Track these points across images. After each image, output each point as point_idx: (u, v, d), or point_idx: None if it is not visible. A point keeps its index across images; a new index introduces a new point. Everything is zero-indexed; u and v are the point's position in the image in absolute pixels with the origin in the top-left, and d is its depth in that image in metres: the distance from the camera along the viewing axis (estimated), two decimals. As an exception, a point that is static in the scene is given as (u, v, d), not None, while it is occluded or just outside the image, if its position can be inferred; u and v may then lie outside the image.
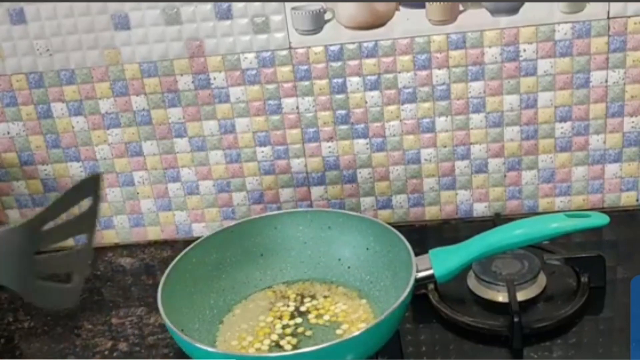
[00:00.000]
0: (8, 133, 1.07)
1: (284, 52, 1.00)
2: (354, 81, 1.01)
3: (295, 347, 0.84)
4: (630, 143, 1.02)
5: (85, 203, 0.75)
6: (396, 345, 0.84)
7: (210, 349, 0.78)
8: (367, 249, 0.93)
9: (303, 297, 0.92)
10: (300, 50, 0.99)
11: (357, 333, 0.75)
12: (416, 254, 0.85)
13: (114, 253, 1.11)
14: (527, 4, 0.95)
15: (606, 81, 0.98)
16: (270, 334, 0.86)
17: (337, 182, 1.07)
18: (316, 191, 1.08)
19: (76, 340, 0.92)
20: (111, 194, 1.10)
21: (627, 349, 0.78)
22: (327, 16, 0.97)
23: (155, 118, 1.05)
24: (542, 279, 0.90)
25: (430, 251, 0.86)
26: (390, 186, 1.07)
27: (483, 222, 1.04)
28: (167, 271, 0.86)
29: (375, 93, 1.01)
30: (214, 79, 1.02)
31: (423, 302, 0.89)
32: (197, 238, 0.93)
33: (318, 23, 0.98)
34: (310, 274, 0.95)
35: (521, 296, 0.87)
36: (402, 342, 0.85)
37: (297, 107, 1.03)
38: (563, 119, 1.01)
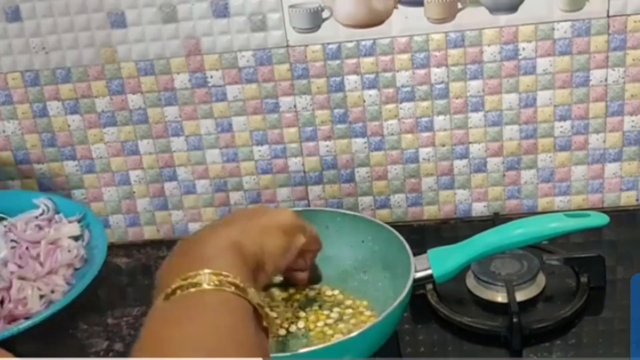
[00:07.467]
0: (3, 132, 1.06)
1: (282, 51, 0.99)
2: (352, 80, 1.00)
3: (293, 348, 0.84)
4: (630, 142, 1.01)
5: None
6: (395, 345, 0.83)
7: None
8: (365, 248, 0.93)
9: (299, 298, 0.91)
10: (298, 49, 0.99)
11: (355, 333, 0.75)
12: (415, 254, 0.84)
13: (110, 253, 1.09)
14: (526, 2, 0.94)
15: (606, 80, 0.98)
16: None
17: (334, 182, 1.07)
18: (314, 190, 1.07)
19: (72, 340, 0.92)
20: (107, 193, 1.09)
21: (627, 350, 0.77)
22: (325, 14, 0.97)
23: (152, 117, 1.04)
24: (541, 279, 0.90)
25: (429, 251, 0.85)
26: (389, 185, 1.06)
27: (482, 222, 1.03)
28: (163, 271, 0.86)
29: (374, 92, 1.01)
30: (211, 77, 1.01)
31: (422, 302, 0.88)
32: (194, 238, 0.93)
33: (316, 21, 0.97)
34: (307, 274, 0.95)
35: (520, 296, 0.86)
36: (401, 342, 0.85)
37: (295, 106, 1.02)
38: (562, 118, 1.00)
